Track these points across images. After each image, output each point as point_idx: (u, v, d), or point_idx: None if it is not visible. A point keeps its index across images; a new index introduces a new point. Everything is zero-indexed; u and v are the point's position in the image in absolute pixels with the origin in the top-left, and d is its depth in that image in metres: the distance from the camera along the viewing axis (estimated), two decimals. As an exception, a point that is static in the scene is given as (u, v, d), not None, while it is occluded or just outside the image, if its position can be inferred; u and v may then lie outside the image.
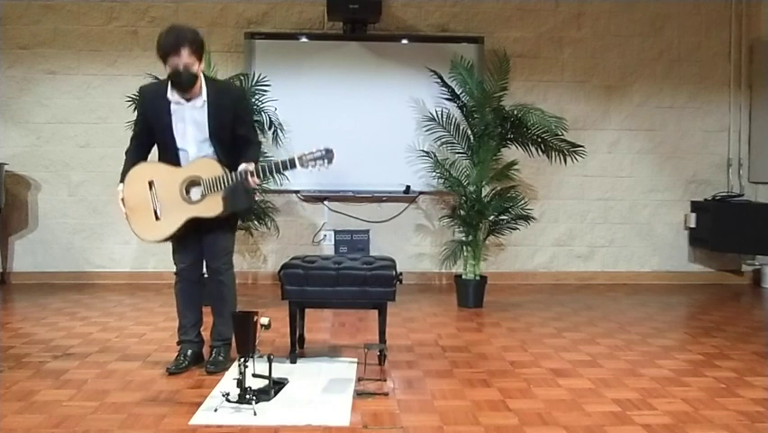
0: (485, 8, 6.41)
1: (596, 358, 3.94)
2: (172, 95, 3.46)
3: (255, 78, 5.56)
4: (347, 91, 6.22)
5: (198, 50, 3.38)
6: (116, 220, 6.20)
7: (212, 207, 3.44)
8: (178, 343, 3.72)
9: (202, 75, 3.47)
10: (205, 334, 3.80)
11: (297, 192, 6.30)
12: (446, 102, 5.71)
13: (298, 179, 6.18)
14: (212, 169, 3.44)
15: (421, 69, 5.96)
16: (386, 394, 3.26)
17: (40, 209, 6.31)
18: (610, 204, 6.58)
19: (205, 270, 3.74)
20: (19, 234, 6.31)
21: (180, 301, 3.72)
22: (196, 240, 3.62)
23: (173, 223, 3.47)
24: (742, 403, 3.19)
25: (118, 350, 4.02)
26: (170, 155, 3.53)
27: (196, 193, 3.45)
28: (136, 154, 3.59)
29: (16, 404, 3.10)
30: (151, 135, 3.57)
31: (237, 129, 3.54)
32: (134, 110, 3.61)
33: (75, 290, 5.87)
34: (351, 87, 6.23)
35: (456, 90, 5.56)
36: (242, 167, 3.40)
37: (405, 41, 6.29)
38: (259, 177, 3.42)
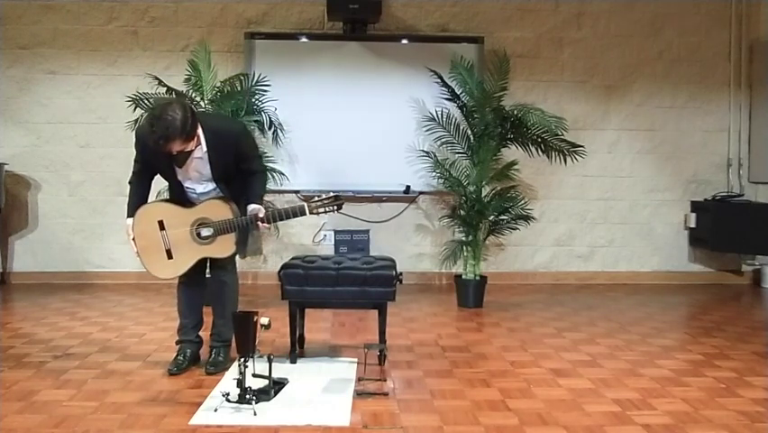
0: (485, 8, 6.41)
1: (596, 358, 3.94)
2: None
3: (255, 78, 5.56)
4: (347, 91, 6.22)
5: (189, 134, 3.24)
6: (116, 220, 6.21)
7: (224, 248, 3.50)
8: (177, 342, 3.72)
9: (199, 126, 3.34)
10: (204, 334, 3.80)
11: (297, 192, 6.30)
12: (446, 102, 5.71)
13: (298, 179, 6.20)
14: (221, 211, 3.47)
15: (421, 69, 5.96)
16: (386, 394, 3.27)
17: (40, 209, 6.31)
18: (610, 204, 6.58)
19: (208, 270, 3.76)
20: (19, 234, 6.31)
21: (183, 302, 3.73)
22: None
23: (186, 261, 3.51)
24: (742, 403, 3.19)
25: (118, 350, 4.02)
26: (177, 192, 3.58)
27: (206, 233, 3.49)
28: (141, 189, 3.60)
29: (16, 404, 3.10)
30: (154, 172, 3.58)
31: (240, 164, 3.54)
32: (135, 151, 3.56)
33: (75, 290, 5.87)
34: (351, 87, 6.22)
35: (456, 90, 5.56)
36: (252, 209, 3.46)
37: (405, 41, 6.28)
38: (268, 222, 3.50)
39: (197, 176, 3.52)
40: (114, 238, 6.26)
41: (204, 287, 3.78)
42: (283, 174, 5.91)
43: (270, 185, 5.77)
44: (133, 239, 3.54)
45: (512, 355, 3.99)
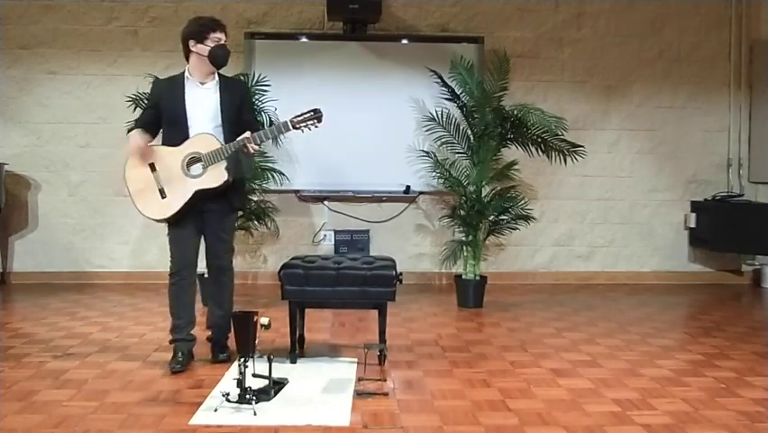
0: (485, 8, 6.41)
1: (596, 358, 3.94)
2: (190, 77, 3.63)
3: (255, 78, 5.57)
4: (347, 91, 6.21)
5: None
6: (116, 220, 6.21)
7: (216, 177, 3.53)
8: (173, 342, 3.73)
9: None
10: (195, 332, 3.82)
11: (297, 192, 6.30)
12: (446, 102, 5.71)
13: (298, 179, 6.20)
14: (209, 143, 3.55)
15: (421, 69, 5.96)
16: (386, 394, 3.27)
17: (40, 209, 6.31)
18: (610, 204, 6.58)
19: (206, 268, 3.80)
20: (19, 234, 6.31)
21: (176, 302, 3.72)
22: (194, 241, 3.69)
23: (180, 198, 3.55)
24: (742, 403, 3.19)
25: (118, 350, 4.02)
26: (181, 140, 3.59)
27: (197, 168, 3.55)
28: (144, 132, 3.65)
29: (16, 404, 3.10)
30: (158, 124, 3.67)
31: (243, 114, 3.71)
32: (145, 99, 3.78)
33: (75, 290, 5.87)
34: (351, 87, 6.22)
35: (456, 90, 5.56)
36: (241, 137, 3.56)
37: (405, 41, 6.29)
38: (256, 143, 3.56)
39: (206, 114, 3.60)
40: (114, 238, 6.25)
41: (195, 285, 3.81)
42: (283, 174, 5.91)
43: (270, 185, 5.81)
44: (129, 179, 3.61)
45: (512, 355, 3.99)
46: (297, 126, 3.60)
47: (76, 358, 3.84)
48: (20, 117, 6.25)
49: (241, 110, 3.69)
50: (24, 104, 6.25)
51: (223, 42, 3.60)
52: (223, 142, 3.56)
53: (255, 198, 5.73)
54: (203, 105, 3.63)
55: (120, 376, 3.52)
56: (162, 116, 3.64)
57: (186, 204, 3.55)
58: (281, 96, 5.81)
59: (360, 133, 6.19)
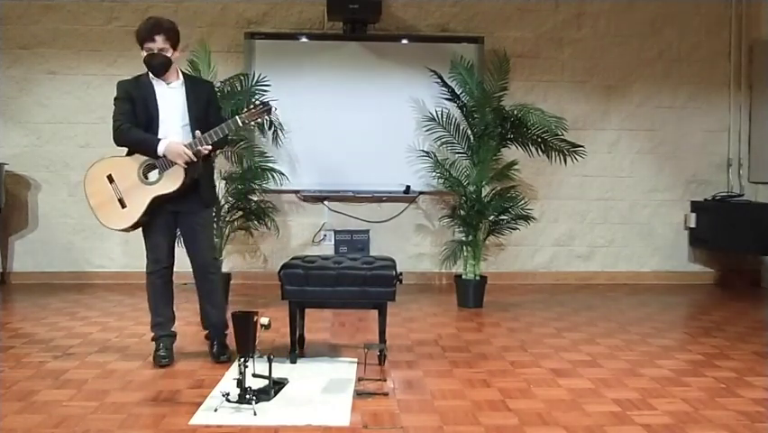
0: (485, 8, 6.41)
1: (596, 358, 3.94)
2: (155, 77, 3.68)
3: (255, 78, 5.56)
4: (347, 91, 6.22)
5: (173, 38, 3.67)
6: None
7: (172, 181, 3.57)
8: (156, 339, 3.77)
9: (178, 66, 3.76)
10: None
11: (297, 192, 6.30)
12: (446, 102, 5.71)
13: (298, 179, 6.20)
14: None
15: (421, 69, 5.95)
16: (386, 394, 3.27)
17: (40, 209, 6.31)
18: (610, 204, 6.58)
19: (192, 270, 3.82)
20: (19, 234, 6.31)
21: (158, 298, 3.76)
22: (167, 239, 3.74)
23: (139, 207, 3.58)
24: (742, 403, 3.19)
25: (118, 350, 4.02)
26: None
27: (153, 175, 3.59)
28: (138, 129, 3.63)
29: (16, 404, 3.10)
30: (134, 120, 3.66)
31: (210, 115, 3.74)
32: (114, 104, 3.72)
33: (75, 290, 5.87)
34: (351, 87, 6.22)
35: (456, 90, 5.56)
36: (192, 139, 3.57)
37: (405, 41, 6.28)
38: (207, 143, 3.54)
39: (174, 111, 3.64)
40: (114, 238, 6.24)
41: (172, 283, 3.83)
42: (283, 174, 5.91)
43: (270, 185, 5.80)
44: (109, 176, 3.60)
45: (512, 355, 3.99)
46: (247, 121, 3.64)
47: (76, 358, 3.84)
48: (20, 117, 6.25)
49: (207, 110, 3.73)
50: (24, 104, 6.25)
51: (154, 51, 3.61)
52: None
53: (255, 198, 5.72)
54: (171, 104, 3.67)
55: (120, 376, 3.52)
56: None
57: (145, 211, 3.59)
58: (281, 96, 5.79)
59: (360, 133, 6.19)
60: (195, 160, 3.55)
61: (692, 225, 6.50)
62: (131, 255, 6.25)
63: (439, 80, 5.58)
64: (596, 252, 6.60)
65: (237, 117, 3.61)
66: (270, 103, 3.69)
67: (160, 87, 3.67)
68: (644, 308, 5.40)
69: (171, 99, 3.67)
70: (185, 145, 3.53)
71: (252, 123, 3.74)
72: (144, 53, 3.65)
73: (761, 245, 6.03)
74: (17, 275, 6.27)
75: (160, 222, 3.67)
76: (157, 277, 3.73)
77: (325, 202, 6.38)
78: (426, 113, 5.92)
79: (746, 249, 6.30)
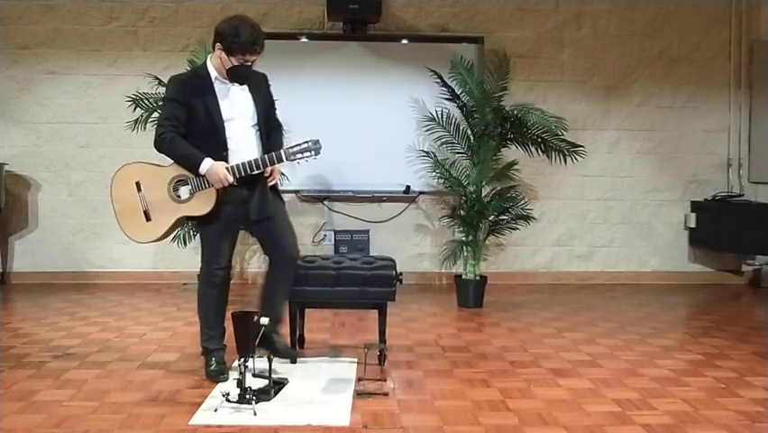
0: (485, 8, 6.41)
1: (596, 358, 3.94)
2: (218, 76, 3.38)
3: (255, 78, 5.54)
4: (347, 91, 6.21)
5: None
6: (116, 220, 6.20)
7: (202, 204, 3.35)
8: (206, 353, 3.51)
9: None
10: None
11: (297, 192, 6.30)
12: (446, 102, 5.71)
13: (298, 179, 6.19)
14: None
15: (421, 69, 5.95)
16: (386, 394, 3.27)
17: (40, 209, 6.31)
18: (610, 204, 6.58)
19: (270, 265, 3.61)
20: (19, 234, 6.31)
21: (213, 309, 3.50)
22: (233, 249, 3.56)
23: (164, 223, 3.39)
24: (742, 403, 3.19)
25: (118, 350, 4.02)
26: (214, 144, 3.34)
27: (184, 192, 3.37)
28: (183, 139, 3.34)
29: (16, 404, 3.10)
30: (187, 122, 3.36)
31: (269, 109, 3.57)
32: (164, 103, 3.43)
33: (75, 290, 5.87)
34: (351, 87, 6.22)
35: (456, 90, 5.56)
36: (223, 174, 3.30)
37: (405, 41, 6.28)
38: (240, 174, 3.33)
39: (243, 113, 3.40)
40: (114, 238, 6.24)
41: (228, 290, 3.61)
42: (283, 174, 5.88)
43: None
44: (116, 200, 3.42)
45: (512, 355, 3.99)
46: (292, 158, 3.39)
47: (76, 358, 3.84)
48: (20, 117, 6.24)
49: (268, 107, 3.53)
50: (24, 104, 6.24)
51: (248, 64, 3.32)
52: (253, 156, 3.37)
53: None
54: (237, 106, 3.40)
55: (120, 376, 3.52)
56: (190, 121, 3.35)
57: (168, 230, 3.41)
58: (281, 96, 5.79)
59: (360, 133, 6.18)
60: (235, 185, 3.33)
61: (692, 225, 6.50)
62: (131, 256, 6.25)
63: (439, 80, 5.58)
64: (596, 252, 6.60)
65: (282, 152, 3.39)
66: (320, 141, 3.41)
67: (222, 88, 3.38)
68: (644, 308, 5.40)
69: (237, 101, 3.40)
70: (227, 169, 3.29)
71: (297, 161, 3.45)
72: (234, 60, 3.29)
73: (761, 245, 6.03)
74: (17, 275, 6.26)
75: (226, 229, 3.43)
76: (212, 287, 3.46)
77: (325, 202, 6.38)
78: (426, 113, 5.91)
79: (746, 249, 6.30)
